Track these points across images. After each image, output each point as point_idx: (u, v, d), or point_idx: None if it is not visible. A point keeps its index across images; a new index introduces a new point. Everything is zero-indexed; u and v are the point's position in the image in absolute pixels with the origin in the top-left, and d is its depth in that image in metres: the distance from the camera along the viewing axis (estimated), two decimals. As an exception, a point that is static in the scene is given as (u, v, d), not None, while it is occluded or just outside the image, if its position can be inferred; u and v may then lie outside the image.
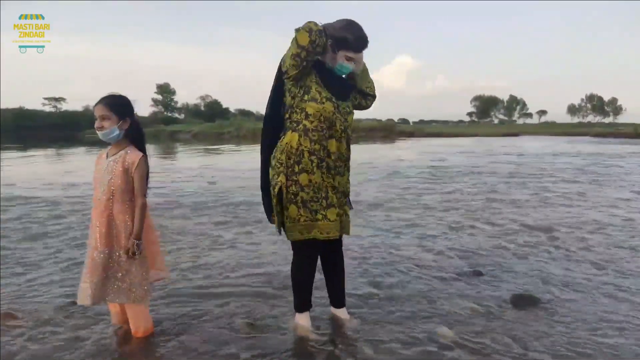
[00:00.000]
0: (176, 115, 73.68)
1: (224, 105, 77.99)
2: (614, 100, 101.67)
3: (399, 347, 2.49)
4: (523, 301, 3.11)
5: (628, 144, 26.20)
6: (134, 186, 2.41)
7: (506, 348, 2.48)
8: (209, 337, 2.59)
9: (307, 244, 2.51)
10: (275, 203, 2.49)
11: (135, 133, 2.49)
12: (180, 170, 12.11)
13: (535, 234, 5.03)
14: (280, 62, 2.47)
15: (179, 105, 76.96)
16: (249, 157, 17.47)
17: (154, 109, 73.27)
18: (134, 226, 2.39)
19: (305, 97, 2.43)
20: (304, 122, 2.44)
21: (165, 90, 75.00)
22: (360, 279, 3.56)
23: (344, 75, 2.59)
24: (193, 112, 74.13)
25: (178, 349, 2.46)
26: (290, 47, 2.35)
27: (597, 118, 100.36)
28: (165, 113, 72.03)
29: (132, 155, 2.42)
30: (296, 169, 2.43)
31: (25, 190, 8.15)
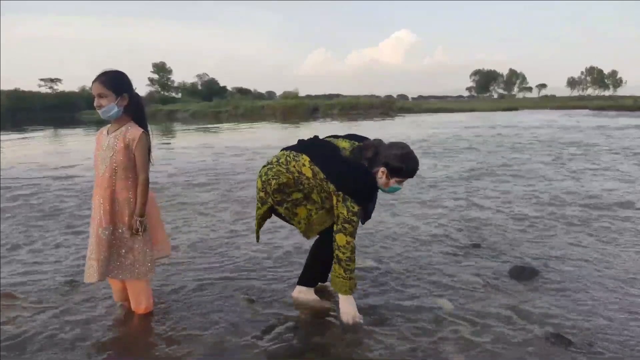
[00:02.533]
0: (173, 94, 73.06)
1: (221, 84, 77.30)
2: (614, 73, 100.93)
3: (400, 320, 2.51)
4: (522, 273, 3.13)
5: (628, 116, 26.07)
6: (136, 162, 2.40)
7: (506, 319, 2.50)
8: (209, 314, 2.61)
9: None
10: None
11: (136, 109, 2.46)
12: (180, 149, 12.08)
13: (536, 207, 5.04)
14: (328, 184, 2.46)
15: (175, 84, 76.26)
16: (248, 135, 17.40)
17: (151, 88, 72.64)
18: (137, 203, 2.39)
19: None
20: (307, 191, 2.54)
21: (161, 69, 74.24)
22: (360, 253, 3.58)
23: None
24: (190, 91, 73.51)
25: (178, 325, 2.48)
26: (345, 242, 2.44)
27: (597, 91, 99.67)
28: (162, 92, 71.38)
29: (133, 131, 2.40)
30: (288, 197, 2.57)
31: (25, 172, 8.14)
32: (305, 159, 2.49)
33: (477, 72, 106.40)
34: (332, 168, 2.45)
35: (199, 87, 75.54)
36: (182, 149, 11.94)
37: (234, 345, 2.27)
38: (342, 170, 2.44)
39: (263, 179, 2.57)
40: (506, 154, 9.86)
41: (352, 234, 2.43)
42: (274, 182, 2.52)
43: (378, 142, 2.54)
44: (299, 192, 2.55)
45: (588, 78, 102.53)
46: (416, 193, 5.81)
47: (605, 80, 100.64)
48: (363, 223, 2.62)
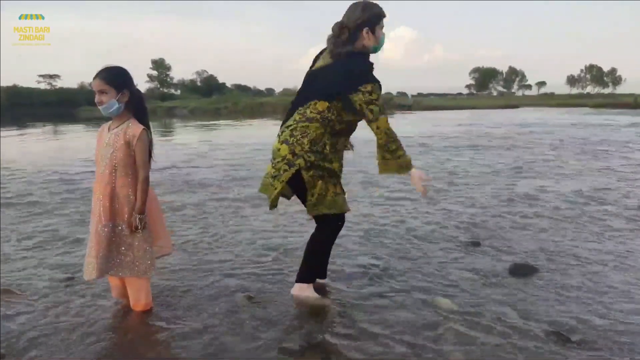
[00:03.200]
0: (172, 91, 72.86)
1: (221, 80, 77.12)
2: (613, 71, 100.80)
3: (399, 318, 2.51)
4: (521, 270, 3.14)
5: (629, 114, 26.06)
6: (136, 159, 2.39)
7: (505, 317, 2.50)
8: (208, 312, 2.61)
9: (339, 217, 2.63)
10: (284, 179, 2.51)
11: (137, 105, 2.45)
12: (180, 146, 12.06)
13: (533, 204, 5.05)
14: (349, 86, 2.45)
15: (174, 81, 76.03)
16: (248, 132, 17.40)
17: (150, 85, 72.42)
18: (137, 200, 2.38)
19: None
20: (336, 124, 2.53)
21: (160, 65, 73.95)
22: (359, 251, 3.58)
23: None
24: (189, 87, 73.30)
25: (177, 323, 2.48)
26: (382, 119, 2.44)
27: (597, 89, 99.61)
28: (161, 89, 71.17)
29: (134, 127, 2.39)
30: (321, 156, 2.51)
31: (29, 166, 8.13)
32: (310, 127, 2.49)
33: (476, 70, 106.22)
34: (336, 75, 2.49)
35: (198, 84, 75.32)
36: (182, 144, 11.93)
37: (233, 344, 2.26)
38: (340, 72, 2.47)
39: (290, 140, 2.51)
40: (515, 152, 9.85)
41: (379, 115, 2.43)
42: (305, 140, 2.49)
43: (340, 21, 2.53)
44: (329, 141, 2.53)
45: (588, 76, 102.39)
46: (415, 191, 5.79)
47: (605, 78, 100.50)
48: None
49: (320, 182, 2.52)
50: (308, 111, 2.51)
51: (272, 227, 4.19)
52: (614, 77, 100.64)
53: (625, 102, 40.45)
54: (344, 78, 2.46)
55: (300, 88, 2.70)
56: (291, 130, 2.53)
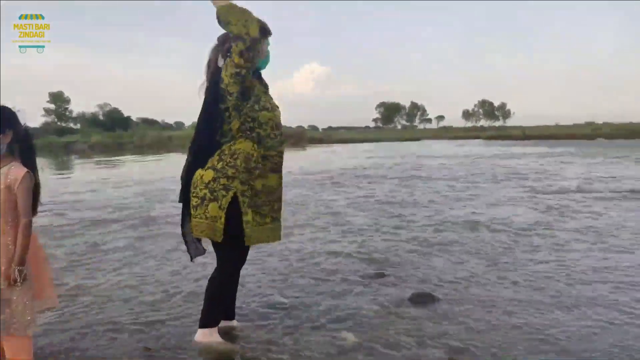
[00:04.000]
0: (71, 125, 68.54)
1: (126, 114, 73.89)
2: (503, 106, 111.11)
3: (304, 354, 2.50)
4: (422, 299, 3.27)
5: (518, 145, 28.77)
6: (18, 205, 2.19)
7: (407, 346, 2.58)
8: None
9: (241, 254, 2.56)
10: (223, 209, 2.38)
11: (22, 146, 2.27)
12: (73, 185, 11.27)
13: (436, 233, 5.33)
14: (210, 80, 2.48)
15: (74, 114, 71.57)
16: (153, 168, 16.73)
17: (47, 119, 67.51)
18: (16, 250, 2.17)
19: (256, 107, 2.46)
20: (257, 130, 2.46)
21: (58, 98, 69.37)
22: (267, 289, 3.54)
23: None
24: (90, 121, 69.41)
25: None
26: (231, 59, 2.37)
27: (489, 122, 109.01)
28: (59, 123, 66.63)
29: (16, 170, 2.20)
30: (252, 175, 2.43)
31: None
32: (238, 148, 2.43)
33: (382, 105, 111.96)
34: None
35: (101, 117, 71.59)
36: (75, 184, 11.16)
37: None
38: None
39: (219, 166, 2.41)
40: (411, 183, 10.38)
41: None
42: (238, 161, 2.40)
43: (225, 32, 2.49)
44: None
45: (480, 110, 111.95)
46: (324, 223, 5.90)
47: (496, 112, 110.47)
48: None
49: (252, 212, 2.44)
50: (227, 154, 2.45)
51: (170, 270, 4.02)
52: (504, 111, 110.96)
53: (515, 135, 44.70)
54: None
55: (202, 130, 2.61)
56: (218, 156, 2.45)
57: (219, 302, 2.65)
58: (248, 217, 2.42)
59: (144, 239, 5.24)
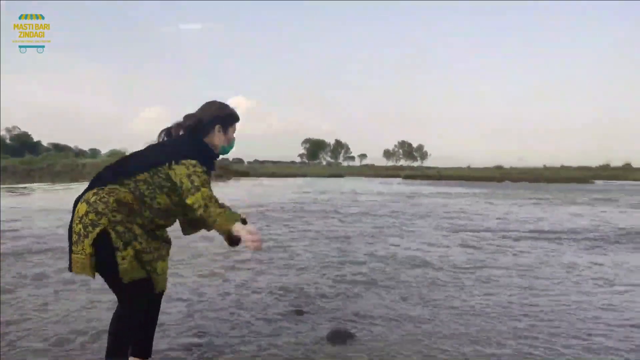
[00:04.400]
0: (-26, 148, 62.86)
1: (35, 139, 69.15)
2: (421, 147, 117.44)
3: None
4: (338, 337, 3.29)
5: (437, 185, 30.31)
6: None
7: (321, 385, 2.59)
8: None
9: (146, 285, 2.34)
10: (90, 243, 2.21)
11: None
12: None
13: (355, 269, 5.43)
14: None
15: (-22, 137, 65.82)
16: (62, 196, 15.66)
17: (-56, 140, 61.34)
18: None
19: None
20: (148, 204, 2.34)
21: (-41, 119, 63.64)
22: (182, 328, 3.40)
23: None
24: (-4, 145, 64.11)
25: None
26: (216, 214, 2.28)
27: (408, 162, 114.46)
28: (-41, 146, 60.76)
29: None
30: (131, 219, 2.28)
31: None
32: (123, 190, 2.30)
33: (307, 141, 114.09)
34: (158, 153, 2.38)
35: (8, 141, 66.40)
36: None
37: None
38: (172, 145, 2.39)
39: (92, 200, 2.24)
40: (353, 218, 10.56)
41: (201, 187, 2.29)
42: (111, 199, 2.24)
43: (194, 113, 2.51)
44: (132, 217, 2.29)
45: (400, 150, 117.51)
46: (239, 259, 5.81)
47: (414, 153, 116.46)
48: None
49: (129, 247, 2.27)
50: (111, 199, 2.27)
51: (78, 307, 3.75)
52: (422, 152, 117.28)
53: (431, 175, 47.23)
54: (171, 149, 2.38)
55: (114, 164, 2.50)
56: (93, 193, 2.28)
57: (126, 342, 2.48)
58: (126, 252, 2.26)
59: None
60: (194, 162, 2.35)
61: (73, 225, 2.28)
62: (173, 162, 2.34)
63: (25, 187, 20.61)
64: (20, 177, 30.43)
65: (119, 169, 2.42)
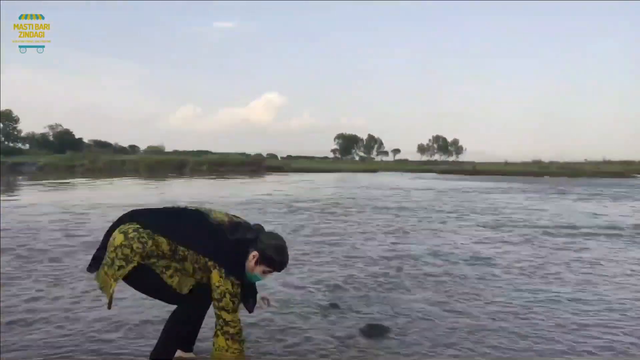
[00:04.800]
0: (20, 145, 65.71)
1: (77, 136, 71.59)
2: (456, 141, 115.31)
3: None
4: (373, 331, 3.32)
5: (475, 180, 29.77)
6: None
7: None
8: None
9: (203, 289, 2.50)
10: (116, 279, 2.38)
11: None
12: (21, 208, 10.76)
13: (390, 263, 5.42)
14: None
15: (23, 134, 68.68)
16: (105, 192, 16.21)
17: (-7, 137, 64.34)
18: None
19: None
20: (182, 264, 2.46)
21: (7, 117, 66.52)
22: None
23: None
24: (40, 142, 66.79)
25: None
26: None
27: (442, 156, 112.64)
28: (6, 143, 63.65)
29: None
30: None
31: None
32: (162, 240, 2.41)
33: (340, 136, 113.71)
34: (209, 245, 2.44)
35: (51, 139, 69.03)
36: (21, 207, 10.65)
37: None
38: (223, 245, 2.44)
39: (130, 235, 2.37)
40: (405, 213, 10.54)
41: (237, 308, 2.43)
42: (150, 241, 2.38)
43: (260, 227, 2.61)
44: (168, 260, 2.44)
45: (435, 145, 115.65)
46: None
47: (449, 148, 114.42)
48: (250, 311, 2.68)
49: (171, 269, 2.45)
50: (149, 244, 2.40)
51: (120, 297, 3.90)
52: (457, 147, 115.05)
53: (466, 170, 46.34)
54: (227, 258, 2.43)
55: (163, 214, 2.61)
56: (134, 229, 2.40)
57: (176, 336, 2.60)
58: (168, 272, 2.44)
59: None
60: (238, 283, 2.44)
61: (108, 249, 2.41)
62: (223, 269, 2.41)
63: (66, 183, 21.43)
64: (63, 173, 31.62)
65: (169, 226, 2.48)
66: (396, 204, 12.85)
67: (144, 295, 2.75)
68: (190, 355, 2.76)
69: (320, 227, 8.39)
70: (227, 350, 2.41)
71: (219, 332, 2.43)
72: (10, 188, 18.41)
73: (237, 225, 2.56)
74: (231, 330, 2.41)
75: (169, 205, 2.69)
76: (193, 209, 2.63)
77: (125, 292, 3.56)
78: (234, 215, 2.70)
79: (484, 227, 8.66)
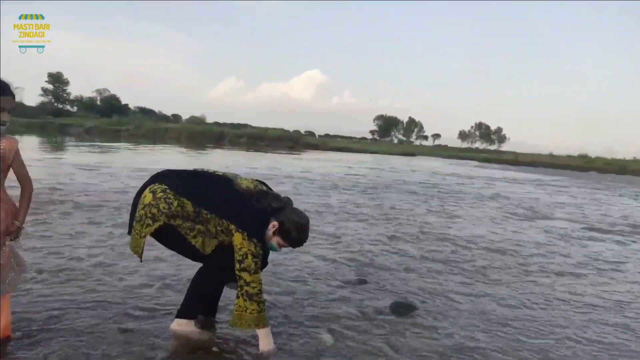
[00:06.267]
0: (68, 107, 68.17)
1: (123, 102, 73.67)
2: (499, 130, 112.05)
3: (282, 353, 2.51)
4: (401, 308, 3.29)
5: (519, 171, 29.01)
6: (20, 173, 2.31)
7: (379, 352, 2.60)
8: (79, 344, 2.40)
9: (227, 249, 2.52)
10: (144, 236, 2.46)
11: None
12: (65, 166, 11.21)
13: (421, 245, 5.36)
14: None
15: (72, 97, 71.15)
16: (147, 157, 16.66)
17: (43, 99, 67.03)
18: (22, 212, 2.31)
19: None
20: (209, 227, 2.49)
21: (57, 79, 68.96)
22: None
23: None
24: (87, 105, 69.12)
25: (45, 354, 2.25)
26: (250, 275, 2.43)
27: (484, 144, 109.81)
28: (55, 104, 66.18)
29: (8, 141, 2.25)
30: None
31: None
32: (187, 203, 2.45)
33: (379, 117, 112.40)
34: (233, 209, 2.46)
35: (98, 103, 71.30)
36: (68, 165, 11.08)
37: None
38: (245, 210, 2.46)
39: (159, 195, 2.44)
40: (408, 196, 10.43)
41: (259, 269, 2.45)
42: (175, 202, 2.43)
43: (288, 200, 2.61)
44: (192, 222, 2.47)
45: (477, 132, 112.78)
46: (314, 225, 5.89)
47: (492, 136, 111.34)
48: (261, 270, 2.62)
49: (195, 230, 2.48)
50: (175, 204, 2.45)
51: (157, 255, 4.00)
52: (500, 136, 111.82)
53: (507, 159, 45.10)
54: (252, 225, 2.45)
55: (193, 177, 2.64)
56: (163, 189, 2.47)
57: (201, 296, 2.66)
58: (191, 234, 2.47)
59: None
60: (260, 245, 2.45)
61: (139, 206, 2.49)
62: (240, 230, 2.42)
63: (111, 146, 22.13)
64: (107, 137, 32.70)
65: (195, 190, 2.52)
66: (490, 194, 12.64)
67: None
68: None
69: (360, 203, 8.36)
70: (245, 311, 2.43)
71: (239, 293, 2.45)
72: (56, 147, 19.15)
73: (263, 194, 2.56)
74: (250, 291, 2.42)
75: (199, 169, 2.70)
76: (220, 173, 2.65)
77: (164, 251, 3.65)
78: (262, 183, 2.71)
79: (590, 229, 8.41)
